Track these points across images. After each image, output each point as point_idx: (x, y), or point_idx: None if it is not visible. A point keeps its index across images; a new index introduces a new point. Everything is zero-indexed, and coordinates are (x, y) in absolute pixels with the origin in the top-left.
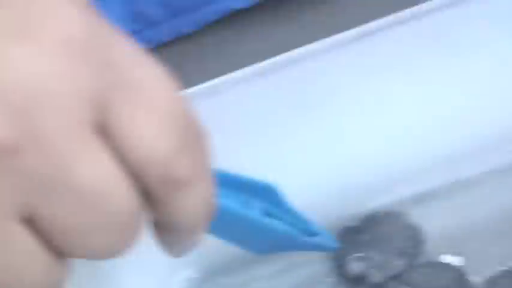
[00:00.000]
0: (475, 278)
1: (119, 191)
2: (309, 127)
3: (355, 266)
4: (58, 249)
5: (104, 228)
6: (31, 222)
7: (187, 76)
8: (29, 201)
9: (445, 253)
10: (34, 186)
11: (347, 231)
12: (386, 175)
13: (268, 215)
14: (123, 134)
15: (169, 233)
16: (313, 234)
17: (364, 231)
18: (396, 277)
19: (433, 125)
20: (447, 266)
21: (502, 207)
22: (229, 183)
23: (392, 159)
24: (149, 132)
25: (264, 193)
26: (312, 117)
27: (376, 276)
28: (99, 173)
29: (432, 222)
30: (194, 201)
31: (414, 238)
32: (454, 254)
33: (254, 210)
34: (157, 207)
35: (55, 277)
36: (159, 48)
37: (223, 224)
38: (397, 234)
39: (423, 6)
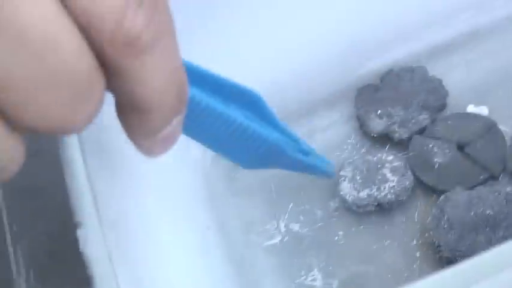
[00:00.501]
0: (502, 127)
1: (67, 40)
2: None
3: (377, 124)
4: (6, 118)
5: (55, 84)
6: None
7: None
8: None
9: (469, 104)
10: None
11: (366, 89)
12: (399, 29)
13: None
14: None
15: (135, 115)
16: (306, 153)
17: (384, 89)
18: (421, 131)
19: None
20: (475, 116)
21: None
22: (208, 81)
23: (404, 11)
24: None
25: (247, 102)
26: None
27: (399, 133)
28: (43, 13)
29: (452, 74)
30: (157, 73)
31: (435, 91)
32: (478, 104)
33: (236, 112)
34: (116, 81)
35: (8, 153)
36: None
37: (200, 121)
38: (418, 89)
39: None
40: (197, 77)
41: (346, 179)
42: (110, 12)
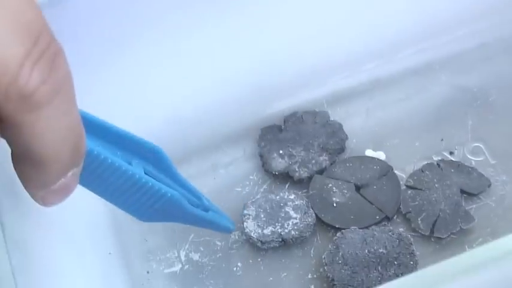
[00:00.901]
0: (398, 173)
1: None
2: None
3: (278, 163)
4: None
5: None
6: None
7: None
8: None
9: (367, 149)
10: None
11: (270, 129)
12: (304, 74)
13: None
14: None
15: (30, 168)
16: (206, 209)
17: (287, 130)
18: (320, 172)
19: (350, 23)
20: (373, 160)
21: (420, 105)
22: (110, 134)
23: (309, 58)
24: None
25: (149, 155)
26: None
27: (299, 172)
28: None
29: (353, 120)
30: (52, 127)
31: (336, 135)
32: (375, 150)
33: (137, 168)
34: (11, 133)
35: None
36: None
37: (97, 174)
38: (319, 132)
39: None
40: (98, 129)
41: (250, 217)
42: (5, 67)
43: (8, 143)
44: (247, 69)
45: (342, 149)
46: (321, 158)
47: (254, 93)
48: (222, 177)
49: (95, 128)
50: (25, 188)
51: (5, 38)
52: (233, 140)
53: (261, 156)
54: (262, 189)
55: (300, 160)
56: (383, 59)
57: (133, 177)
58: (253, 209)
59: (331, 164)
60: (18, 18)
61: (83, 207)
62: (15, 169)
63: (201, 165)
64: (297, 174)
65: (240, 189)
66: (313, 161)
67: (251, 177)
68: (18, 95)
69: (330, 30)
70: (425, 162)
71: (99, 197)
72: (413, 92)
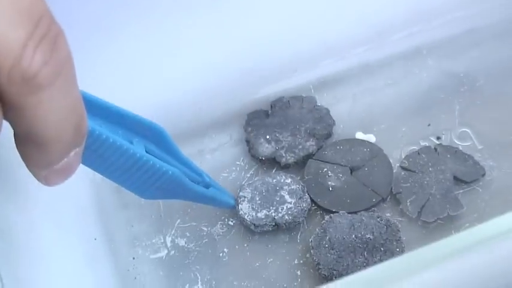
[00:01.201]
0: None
1: None
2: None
3: (265, 148)
4: None
5: None
6: None
7: None
8: None
9: (355, 135)
10: None
11: (256, 114)
12: (291, 59)
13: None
14: None
15: (33, 148)
16: (207, 186)
17: (273, 115)
18: (307, 157)
19: (338, 9)
20: (363, 142)
21: (406, 91)
22: (112, 114)
23: (296, 43)
24: None
25: (151, 134)
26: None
27: (286, 158)
28: None
29: (340, 105)
30: (54, 109)
31: (323, 120)
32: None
33: (138, 147)
34: (14, 114)
35: None
36: None
37: (101, 156)
38: (306, 117)
39: None
40: (99, 109)
41: (246, 200)
42: (7, 50)
43: (10, 124)
44: (234, 54)
45: (329, 134)
46: (308, 143)
47: (241, 79)
48: (208, 163)
49: (95, 107)
50: (28, 167)
51: (7, 21)
52: (220, 125)
53: (248, 141)
54: (248, 175)
55: (286, 145)
56: (371, 44)
57: (135, 155)
58: (249, 191)
59: (318, 149)
60: (20, 1)
61: (69, 193)
62: (18, 149)
63: (187, 151)
64: (283, 159)
65: (226, 174)
66: (300, 146)
67: (238, 162)
68: (21, 78)
69: (317, 15)
70: (413, 147)
71: (85, 183)
72: (400, 77)
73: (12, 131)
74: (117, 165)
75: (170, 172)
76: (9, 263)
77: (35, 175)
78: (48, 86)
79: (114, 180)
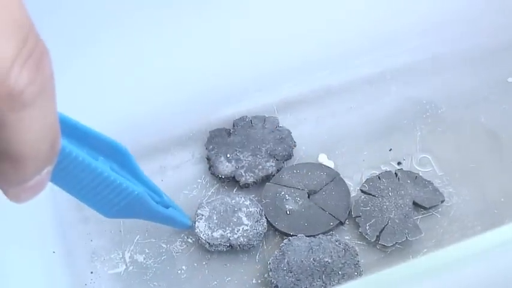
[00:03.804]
0: (347, 181)
1: None
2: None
3: (225, 167)
4: None
5: None
6: None
7: None
8: None
9: (317, 157)
10: None
11: (218, 133)
12: (256, 79)
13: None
14: None
15: (6, 164)
16: (166, 206)
17: (235, 134)
18: (267, 178)
19: (304, 31)
20: (320, 166)
21: (369, 116)
22: (77, 132)
23: (261, 63)
24: None
25: (114, 153)
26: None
27: (246, 177)
28: None
29: (302, 127)
30: (34, 126)
31: (284, 141)
32: (323, 157)
33: (103, 165)
34: None
35: None
36: None
37: (68, 171)
38: (268, 137)
39: None
40: (67, 127)
41: (203, 218)
42: None
43: None
44: (197, 72)
45: (289, 156)
46: (268, 164)
47: (204, 96)
48: (170, 180)
49: (62, 125)
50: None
51: None
52: (182, 142)
53: (208, 159)
54: (209, 193)
55: (246, 165)
56: (335, 68)
57: (103, 174)
58: (208, 210)
59: (278, 170)
60: (8, 17)
61: (28, 206)
62: None
63: (149, 167)
64: (243, 178)
65: (187, 192)
66: (260, 167)
67: (199, 180)
68: (7, 94)
69: (282, 37)
70: (373, 171)
71: (44, 196)
72: (363, 101)
73: None
74: (85, 183)
75: (136, 192)
76: None
77: (4, 192)
78: (31, 104)
79: (80, 198)
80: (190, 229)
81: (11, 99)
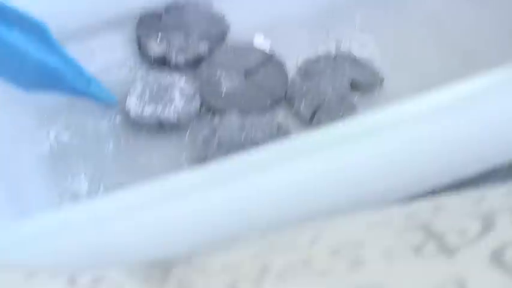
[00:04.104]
0: (286, 62)
1: None
2: None
3: (156, 48)
4: None
5: None
6: None
7: None
8: None
9: (253, 37)
10: None
11: (149, 16)
12: None
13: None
14: None
15: None
16: (88, 83)
17: (167, 17)
18: (200, 60)
19: None
20: (254, 48)
21: None
22: None
23: None
24: None
25: (35, 31)
26: None
27: (177, 58)
28: None
29: (239, 9)
30: None
31: (217, 24)
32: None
33: (19, 40)
34: None
35: None
36: None
37: None
38: (201, 20)
39: None
40: None
41: (135, 94)
42: None
43: None
44: None
45: (223, 37)
46: (200, 45)
47: None
48: (99, 62)
49: None
50: None
51: None
52: (111, 24)
53: (139, 40)
54: (139, 76)
55: (178, 45)
56: None
57: (14, 46)
58: (141, 85)
59: (210, 52)
60: None
61: None
62: None
63: (78, 49)
64: (173, 59)
65: (116, 73)
66: (192, 47)
67: (128, 62)
68: None
69: None
70: (311, 54)
71: None
72: None
73: None
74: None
75: (50, 64)
76: None
77: None
78: None
79: None
80: (113, 104)
81: None
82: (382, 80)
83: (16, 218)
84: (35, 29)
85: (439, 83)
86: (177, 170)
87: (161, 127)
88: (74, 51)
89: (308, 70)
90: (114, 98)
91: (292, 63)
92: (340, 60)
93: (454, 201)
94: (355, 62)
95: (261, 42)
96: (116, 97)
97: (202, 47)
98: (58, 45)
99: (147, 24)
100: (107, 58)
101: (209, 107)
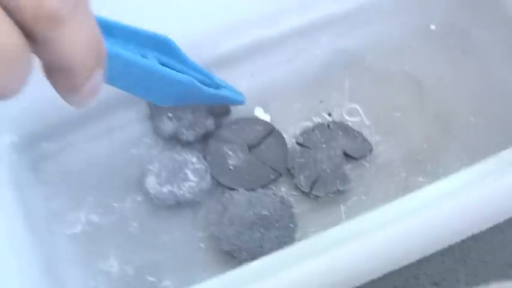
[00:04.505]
0: (283, 133)
1: None
2: None
3: (167, 126)
4: None
5: None
6: None
7: None
8: None
9: (254, 111)
10: None
11: None
12: (191, 38)
13: (168, 67)
14: None
15: (60, 74)
16: (217, 87)
17: None
18: (208, 135)
19: None
20: (257, 120)
21: (300, 69)
22: (122, 33)
23: (192, 22)
24: None
25: (160, 46)
26: None
27: (187, 135)
28: None
29: (239, 83)
30: (75, 39)
31: None
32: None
33: (151, 60)
34: (41, 48)
35: None
36: None
37: (120, 72)
38: None
39: None
40: (110, 29)
41: (153, 174)
42: None
43: (39, 57)
44: None
45: (228, 112)
46: (207, 121)
47: None
48: (117, 139)
49: (108, 28)
50: (60, 94)
51: None
52: (126, 102)
53: (152, 119)
54: (155, 152)
55: (187, 123)
56: (266, 23)
57: (152, 69)
58: (157, 166)
59: (217, 126)
60: None
61: None
62: (48, 79)
63: (96, 128)
64: (184, 136)
65: (135, 151)
66: (200, 124)
67: (145, 139)
68: (45, 16)
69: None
70: (307, 123)
71: (1, 160)
72: (294, 54)
73: None
74: (137, 79)
75: (184, 79)
76: None
77: (65, 99)
78: (69, 20)
79: (135, 93)
80: (242, 103)
81: (49, 19)
82: (371, 149)
83: None
84: (162, 45)
85: (423, 146)
86: (197, 246)
87: (178, 205)
88: (92, 130)
89: (305, 141)
90: (242, 97)
91: (290, 133)
92: (333, 129)
93: None
94: (346, 130)
95: (262, 114)
96: (244, 96)
97: (209, 123)
98: (185, 57)
99: None
100: (125, 136)
101: (218, 183)
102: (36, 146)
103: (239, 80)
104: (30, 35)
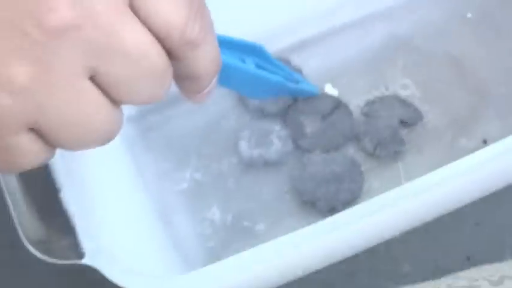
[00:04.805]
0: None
1: (153, 50)
2: None
3: (252, 100)
4: (114, 99)
5: (146, 79)
6: (94, 80)
7: None
8: (92, 63)
9: (324, 87)
10: (95, 51)
11: None
12: (269, 26)
13: (260, 68)
14: (149, 10)
15: (190, 82)
16: (297, 82)
17: None
18: (287, 108)
19: None
20: (325, 96)
21: (361, 51)
22: (228, 44)
23: (273, 11)
24: (167, 7)
25: (254, 51)
26: None
27: (272, 108)
28: (138, 37)
29: (311, 63)
30: (205, 56)
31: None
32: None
33: (250, 65)
34: (179, 64)
35: (115, 122)
36: None
37: (228, 76)
38: None
39: None
40: (221, 41)
41: (245, 139)
42: (178, 26)
43: (174, 69)
44: None
45: None
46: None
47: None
48: (211, 112)
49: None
50: (185, 96)
51: (175, 5)
52: None
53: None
54: (244, 122)
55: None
56: (334, 13)
57: (249, 71)
58: (247, 133)
59: (294, 101)
60: None
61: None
62: (176, 83)
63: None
64: (267, 109)
65: (226, 121)
66: (282, 98)
67: (234, 112)
68: (186, 42)
69: None
70: (368, 97)
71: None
72: (356, 40)
73: None
74: (239, 80)
75: (276, 80)
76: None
77: (189, 98)
78: (202, 43)
79: (238, 91)
80: (316, 94)
81: (190, 45)
82: (422, 117)
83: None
84: (256, 51)
85: (464, 114)
86: (283, 198)
87: (266, 164)
88: (191, 105)
89: (367, 111)
90: (316, 89)
91: (355, 105)
92: (390, 100)
93: None
94: (401, 102)
95: (331, 89)
96: (317, 87)
97: (289, 98)
98: (273, 58)
99: None
100: (215, 110)
101: (298, 146)
102: (146, 118)
103: (312, 61)
104: (173, 55)
